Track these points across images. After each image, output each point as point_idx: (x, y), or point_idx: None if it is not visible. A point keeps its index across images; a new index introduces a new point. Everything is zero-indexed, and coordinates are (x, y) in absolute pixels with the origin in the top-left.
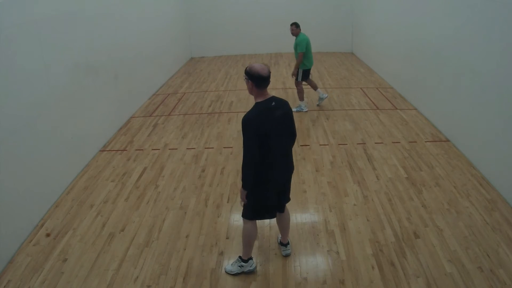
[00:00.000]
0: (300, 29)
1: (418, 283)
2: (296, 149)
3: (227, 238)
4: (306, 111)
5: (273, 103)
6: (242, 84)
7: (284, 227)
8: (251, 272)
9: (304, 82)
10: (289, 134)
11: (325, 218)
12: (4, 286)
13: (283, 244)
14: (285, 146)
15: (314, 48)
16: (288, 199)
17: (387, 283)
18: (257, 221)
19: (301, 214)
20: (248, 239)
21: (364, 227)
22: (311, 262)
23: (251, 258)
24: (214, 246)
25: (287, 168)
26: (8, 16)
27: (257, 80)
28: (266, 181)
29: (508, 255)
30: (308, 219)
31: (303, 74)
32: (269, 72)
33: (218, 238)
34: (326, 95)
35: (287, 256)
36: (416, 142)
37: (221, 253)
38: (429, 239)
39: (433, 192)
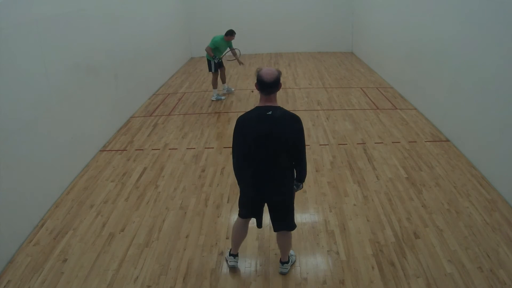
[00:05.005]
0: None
1: (418, 283)
2: None
3: (227, 238)
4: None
5: (270, 112)
6: (242, 84)
7: (280, 245)
8: (232, 267)
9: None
10: (276, 153)
11: (325, 218)
12: (4, 286)
13: (280, 261)
14: (267, 163)
15: (313, 48)
16: (284, 227)
17: (387, 283)
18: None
19: (301, 214)
20: (232, 234)
21: (364, 227)
22: (311, 262)
23: (232, 255)
24: (214, 246)
25: (268, 187)
26: (8, 16)
27: (258, 83)
28: (244, 182)
29: (508, 255)
30: (308, 219)
31: (214, 65)
32: (274, 80)
33: (218, 238)
34: (228, 91)
35: (282, 274)
36: (416, 142)
37: (221, 253)
38: (429, 239)
39: (433, 192)
